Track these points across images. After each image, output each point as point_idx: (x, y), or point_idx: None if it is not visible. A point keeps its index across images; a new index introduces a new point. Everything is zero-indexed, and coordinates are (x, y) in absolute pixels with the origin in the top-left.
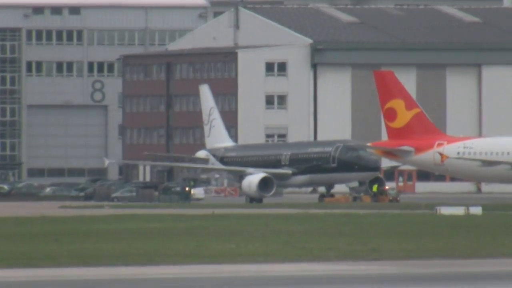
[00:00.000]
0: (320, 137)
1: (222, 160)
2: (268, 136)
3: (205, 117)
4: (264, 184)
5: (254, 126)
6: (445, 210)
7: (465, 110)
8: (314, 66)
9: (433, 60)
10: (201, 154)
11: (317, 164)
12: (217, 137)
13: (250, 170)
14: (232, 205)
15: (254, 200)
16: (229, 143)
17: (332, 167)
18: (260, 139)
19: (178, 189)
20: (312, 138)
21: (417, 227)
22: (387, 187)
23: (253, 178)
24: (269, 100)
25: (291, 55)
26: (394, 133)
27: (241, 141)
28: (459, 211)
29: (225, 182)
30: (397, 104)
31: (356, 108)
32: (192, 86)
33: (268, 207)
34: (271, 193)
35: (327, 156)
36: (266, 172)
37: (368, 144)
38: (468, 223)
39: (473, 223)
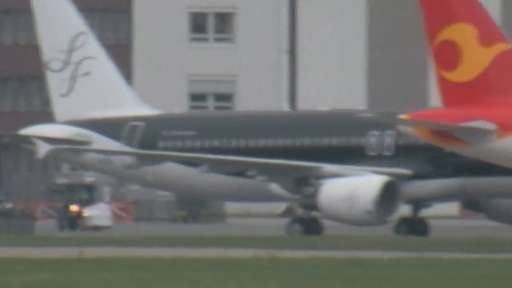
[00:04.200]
0: (302, 99)
1: (151, 144)
2: (195, 97)
3: (53, 53)
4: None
5: (166, 72)
6: None
7: None
8: None
9: None
10: (56, 131)
11: None
12: (98, 97)
13: (328, 167)
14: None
15: (310, 230)
16: (141, 108)
17: None
18: (178, 102)
19: (9, 206)
20: (284, 100)
21: None
22: None
23: (363, 184)
24: (198, 25)
25: None
26: (455, 94)
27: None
28: None
29: (107, 192)
30: (462, 33)
31: (377, 45)
32: None
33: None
34: (393, 214)
35: None
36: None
37: (402, 116)
38: None
39: None
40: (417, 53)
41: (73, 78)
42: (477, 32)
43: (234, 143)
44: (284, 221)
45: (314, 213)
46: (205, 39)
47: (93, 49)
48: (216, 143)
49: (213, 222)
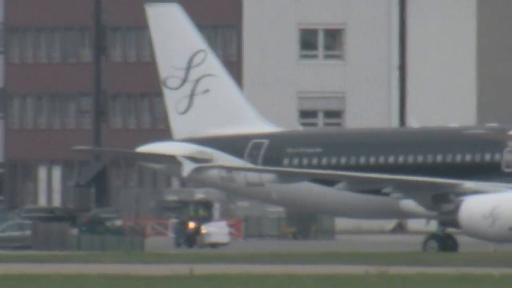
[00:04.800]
0: (412, 115)
1: (275, 161)
2: (305, 113)
3: (171, 71)
4: None
5: (276, 89)
6: None
7: None
8: None
9: None
10: (176, 148)
11: None
12: (218, 114)
13: (468, 184)
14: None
15: (445, 246)
16: (263, 125)
17: None
18: (288, 120)
19: (118, 223)
20: (395, 117)
21: None
22: None
23: (505, 200)
24: (308, 41)
25: None
26: None
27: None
28: None
29: (217, 209)
30: None
31: (487, 59)
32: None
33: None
34: None
35: None
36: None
37: None
38: None
39: None
40: None
41: (192, 95)
42: None
43: (362, 160)
44: (394, 237)
45: (450, 230)
46: (314, 56)
47: (212, 66)
48: (343, 160)
49: (322, 239)
